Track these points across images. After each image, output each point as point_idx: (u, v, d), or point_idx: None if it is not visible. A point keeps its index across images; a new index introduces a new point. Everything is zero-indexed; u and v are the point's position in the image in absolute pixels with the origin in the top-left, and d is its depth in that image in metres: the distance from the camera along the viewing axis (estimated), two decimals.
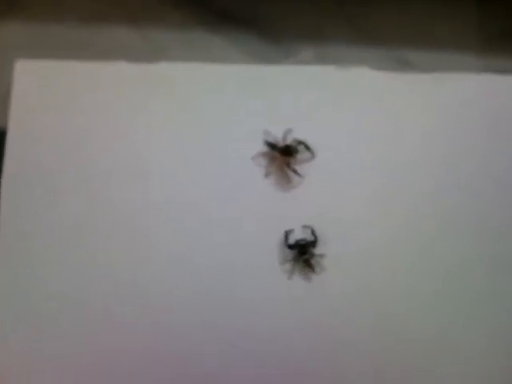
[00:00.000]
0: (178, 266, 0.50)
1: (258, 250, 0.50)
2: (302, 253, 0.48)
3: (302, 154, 0.51)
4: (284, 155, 0.50)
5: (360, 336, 0.49)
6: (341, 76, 0.55)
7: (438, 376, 0.49)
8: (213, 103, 0.53)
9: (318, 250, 0.49)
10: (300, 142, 0.51)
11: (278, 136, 0.51)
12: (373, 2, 0.62)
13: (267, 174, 0.51)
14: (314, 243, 0.49)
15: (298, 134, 0.52)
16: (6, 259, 0.50)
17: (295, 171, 0.50)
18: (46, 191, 0.52)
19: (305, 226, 0.49)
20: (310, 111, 0.53)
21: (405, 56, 0.61)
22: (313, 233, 0.49)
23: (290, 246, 0.49)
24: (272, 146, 0.51)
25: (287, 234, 0.49)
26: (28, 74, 0.54)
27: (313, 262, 0.49)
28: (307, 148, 0.51)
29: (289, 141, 0.51)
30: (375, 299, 0.50)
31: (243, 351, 0.48)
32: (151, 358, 0.49)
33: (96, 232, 0.51)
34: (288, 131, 0.51)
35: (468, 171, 0.53)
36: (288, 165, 0.50)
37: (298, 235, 0.50)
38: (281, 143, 0.51)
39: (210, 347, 0.48)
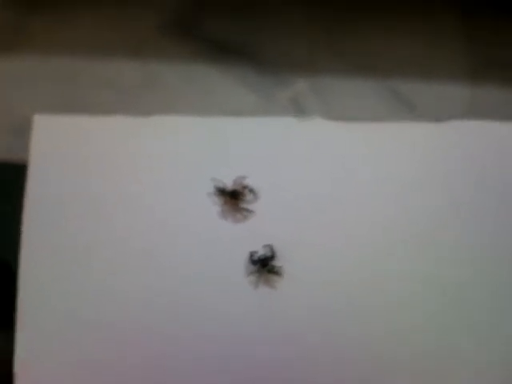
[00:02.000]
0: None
1: (226, 270, 0.55)
2: (264, 265, 0.55)
3: (249, 196, 0.57)
4: (232, 199, 0.56)
5: (326, 342, 0.53)
6: (293, 126, 0.59)
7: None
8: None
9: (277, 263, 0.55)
10: (244, 187, 0.57)
11: (227, 182, 0.57)
12: (364, 33, 0.64)
13: (223, 212, 0.57)
14: (273, 257, 0.55)
15: (253, 180, 0.57)
16: (29, 291, 0.53)
17: (246, 209, 0.56)
18: (65, 225, 0.55)
19: (265, 245, 0.55)
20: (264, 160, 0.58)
21: (394, 86, 0.63)
22: (271, 248, 0.55)
23: (254, 262, 0.55)
24: (221, 191, 0.57)
25: (252, 254, 0.55)
26: (46, 129, 0.57)
27: (275, 270, 0.55)
28: (251, 191, 0.57)
29: (236, 186, 0.57)
30: (338, 305, 0.54)
31: (212, 358, 0.52)
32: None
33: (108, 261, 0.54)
34: (237, 178, 0.57)
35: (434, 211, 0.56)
36: (237, 206, 0.56)
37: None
38: (229, 188, 0.57)
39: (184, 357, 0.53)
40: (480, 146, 0.57)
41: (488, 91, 0.62)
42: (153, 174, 0.57)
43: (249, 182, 0.57)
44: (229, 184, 0.57)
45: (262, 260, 0.55)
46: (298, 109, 0.63)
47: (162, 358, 0.52)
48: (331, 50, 0.64)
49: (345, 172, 0.57)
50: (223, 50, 0.64)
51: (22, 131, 0.56)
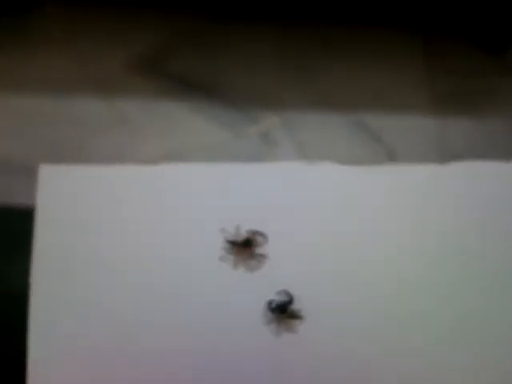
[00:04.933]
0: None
1: (246, 321, 0.54)
2: (283, 311, 0.53)
3: (260, 241, 0.56)
4: (245, 247, 0.55)
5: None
6: (301, 169, 0.58)
7: None
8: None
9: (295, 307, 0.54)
10: (254, 232, 0.56)
11: (231, 231, 0.56)
12: (333, 68, 0.65)
13: (236, 265, 0.55)
14: (290, 302, 0.54)
15: (251, 224, 0.56)
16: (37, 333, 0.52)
17: (261, 255, 0.55)
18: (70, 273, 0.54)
19: (279, 292, 0.54)
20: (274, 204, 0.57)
21: (361, 119, 0.64)
22: (288, 293, 0.54)
23: (272, 310, 0.53)
24: (232, 242, 0.55)
25: (270, 302, 0.54)
26: (51, 179, 0.56)
27: (295, 314, 0.53)
28: (261, 234, 0.56)
29: (244, 233, 0.56)
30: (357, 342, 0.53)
31: None
32: None
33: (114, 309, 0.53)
34: (238, 226, 0.56)
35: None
36: (252, 254, 0.55)
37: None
38: (238, 238, 0.55)
39: None
40: (484, 186, 0.58)
41: (451, 120, 0.64)
42: (160, 224, 0.56)
43: (256, 227, 0.55)
44: (236, 232, 0.55)
45: (280, 306, 0.53)
46: (269, 143, 0.63)
47: None
48: (300, 85, 0.64)
49: (353, 212, 0.57)
50: (191, 87, 0.63)
51: None
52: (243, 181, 0.58)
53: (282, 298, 0.54)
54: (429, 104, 0.64)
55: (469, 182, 0.58)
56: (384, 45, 0.66)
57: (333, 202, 0.57)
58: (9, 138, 0.61)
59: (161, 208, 0.56)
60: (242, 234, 0.56)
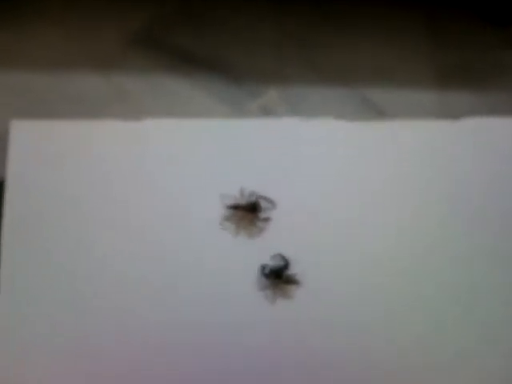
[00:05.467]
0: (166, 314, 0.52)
1: (241, 286, 0.53)
2: (278, 277, 0.52)
3: (267, 206, 0.54)
4: (250, 212, 0.53)
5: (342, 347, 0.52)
6: (304, 127, 0.57)
7: None
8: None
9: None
10: (260, 197, 0.54)
11: (235, 195, 0.54)
12: (333, 43, 0.64)
13: (237, 232, 0.53)
14: (286, 266, 0.52)
15: (256, 187, 0.54)
16: (7, 301, 0.51)
17: (265, 219, 0.53)
18: (43, 239, 0.53)
19: (274, 256, 0.53)
20: (274, 163, 0.56)
21: (363, 94, 0.63)
22: (283, 258, 0.52)
23: (266, 275, 0.52)
24: (235, 207, 0.53)
25: (263, 267, 0.52)
26: (23, 134, 0.54)
27: (291, 279, 0.52)
28: (268, 200, 0.54)
29: (248, 197, 0.54)
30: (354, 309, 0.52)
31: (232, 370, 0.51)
32: None
33: (89, 278, 0.52)
34: (243, 189, 0.54)
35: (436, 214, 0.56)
36: (254, 219, 0.53)
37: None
38: (242, 201, 0.53)
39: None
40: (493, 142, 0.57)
41: (454, 94, 0.63)
42: (149, 180, 0.54)
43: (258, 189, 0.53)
44: (240, 196, 0.53)
45: (275, 271, 0.52)
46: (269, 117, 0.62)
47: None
48: (301, 59, 0.64)
49: (355, 172, 0.56)
50: (192, 61, 0.63)
51: None
52: (237, 137, 0.56)
53: (277, 263, 0.52)
54: (432, 78, 0.64)
55: (478, 137, 0.57)
56: (386, 19, 0.65)
57: (331, 159, 0.56)
58: (6, 114, 0.60)
59: (153, 165, 0.55)
60: (247, 198, 0.53)
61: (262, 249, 0.53)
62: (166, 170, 0.55)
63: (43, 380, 0.50)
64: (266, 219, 0.53)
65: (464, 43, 0.65)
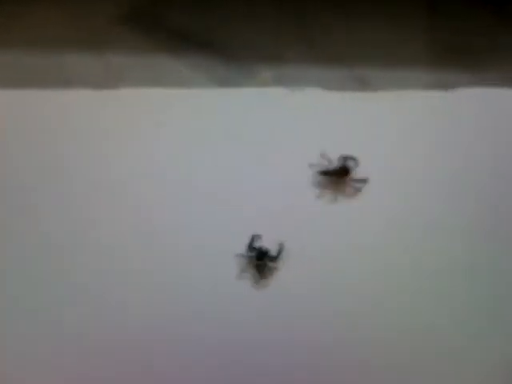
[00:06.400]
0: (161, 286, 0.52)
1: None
2: (258, 259, 0.51)
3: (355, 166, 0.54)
4: (341, 176, 0.53)
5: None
6: (294, 98, 0.58)
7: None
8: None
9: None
10: (346, 157, 0.54)
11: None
12: (332, 24, 0.64)
13: (320, 196, 0.53)
14: (274, 258, 0.51)
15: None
16: None
17: (359, 181, 0.53)
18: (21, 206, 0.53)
19: (257, 236, 0.52)
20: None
21: (359, 74, 0.63)
22: (280, 249, 0.51)
23: (250, 249, 0.51)
24: (326, 173, 0.53)
25: (253, 238, 0.51)
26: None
27: (265, 270, 0.51)
28: (353, 159, 0.54)
29: (335, 161, 0.53)
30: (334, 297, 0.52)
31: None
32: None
33: (70, 248, 0.53)
34: (324, 154, 0.54)
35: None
36: (346, 182, 0.53)
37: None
38: (330, 167, 0.53)
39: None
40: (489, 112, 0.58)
41: (451, 73, 0.63)
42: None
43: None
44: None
45: (260, 252, 0.51)
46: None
47: (162, 358, 0.51)
48: (297, 39, 0.63)
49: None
50: (188, 41, 0.62)
51: None
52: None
53: (270, 249, 0.51)
54: (430, 60, 0.64)
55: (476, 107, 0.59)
56: (385, 1, 0.65)
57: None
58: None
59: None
60: (333, 162, 0.53)
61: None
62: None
63: (41, 379, 0.50)
64: (364, 180, 0.53)
65: (461, 24, 0.65)
